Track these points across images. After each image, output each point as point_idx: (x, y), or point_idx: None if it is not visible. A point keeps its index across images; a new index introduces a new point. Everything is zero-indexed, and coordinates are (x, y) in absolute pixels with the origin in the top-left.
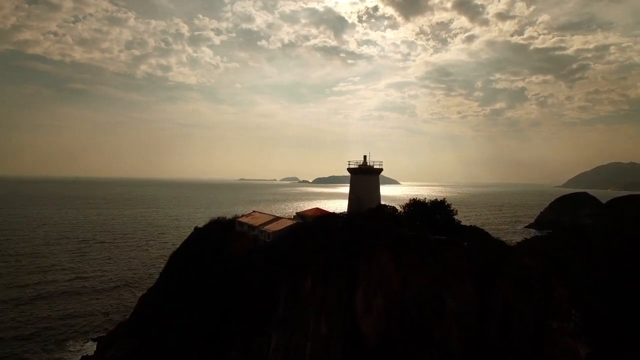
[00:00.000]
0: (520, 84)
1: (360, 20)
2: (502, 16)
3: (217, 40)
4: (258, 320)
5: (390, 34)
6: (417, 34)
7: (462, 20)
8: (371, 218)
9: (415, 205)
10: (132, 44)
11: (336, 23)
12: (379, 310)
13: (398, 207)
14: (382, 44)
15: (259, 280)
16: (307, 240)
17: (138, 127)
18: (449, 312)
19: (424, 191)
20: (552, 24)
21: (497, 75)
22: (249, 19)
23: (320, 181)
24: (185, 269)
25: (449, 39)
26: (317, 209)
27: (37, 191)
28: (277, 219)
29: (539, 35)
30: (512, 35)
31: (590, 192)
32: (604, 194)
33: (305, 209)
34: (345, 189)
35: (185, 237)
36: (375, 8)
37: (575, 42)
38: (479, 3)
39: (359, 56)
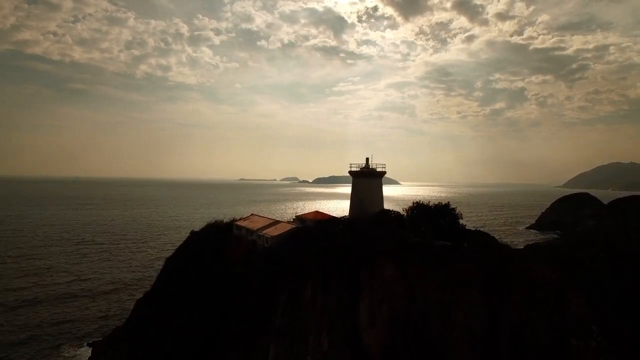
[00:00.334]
0: (520, 84)
1: (359, 20)
2: (502, 16)
3: (216, 40)
4: (256, 330)
5: (389, 34)
6: (416, 34)
7: (462, 21)
8: (374, 223)
9: (418, 208)
10: (131, 44)
11: (336, 23)
12: (383, 322)
13: (401, 211)
14: (382, 44)
15: (256, 287)
16: (307, 246)
17: (138, 127)
18: (457, 324)
19: (424, 191)
20: (551, 24)
21: (497, 75)
22: (249, 19)
23: (320, 181)
24: (180, 275)
25: (448, 39)
26: (317, 212)
27: (37, 191)
28: (276, 222)
29: (539, 35)
30: (511, 36)
31: (591, 192)
32: (604, 194)
33: (304, 212)
34: (345, 189)
35: (184, 239)
36: (375, 8)
37: (575, 42)
38: (478, 3)
39: (359, 56)
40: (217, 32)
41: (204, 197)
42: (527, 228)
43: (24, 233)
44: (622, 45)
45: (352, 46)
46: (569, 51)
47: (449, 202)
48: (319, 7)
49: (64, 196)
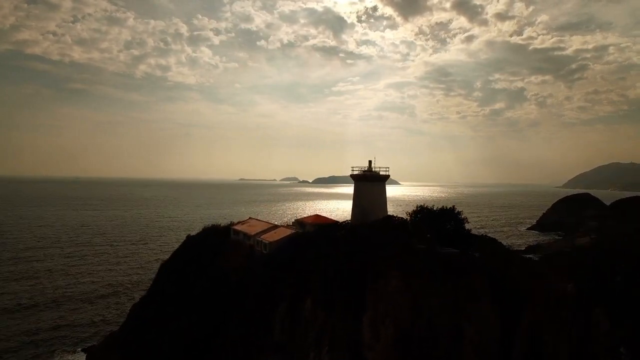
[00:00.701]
0: (520, 84)
1: (359, 20)
2: (501, 16)
3: (216, 40)
4: (253, 343)
5: (389, 34)
6: (416, 34)
7: (461, 21)
8: (378, 230)
9: (422, 212)
10: (131, 44)
11: (335, 23)
12: (387, 338)
13: (405, 215)
14: (381, 44)
15: (254, 297)
16: (307, 254)
17: (138, 127)
18: (467, 340)
19: (424, 191)
20: (551, 24)
21: (497, 76)
22: (248, 19)
23: (320, 181)
24: (176, 280)
25: (448, 39)
26: (317, 215)
27: (37, 191)
28: (274, 227)
29: (538, 35)
30: (511, 36)
31: (591, 192)
32: (605, 194)
33: (304, 216)
34: (345, 189)
35: (182, 240)
36: (375, 8)
37: (574, 43)
38: (478, 3)
39: (358, 56)
40: (217, 32)
41: (203, 197)
42: (528, 229)
43: (23, 234)
44: (622, 45)
45: (351, 46)
46: (569, 51)
47: (454, 206)
48: (319, 7)
49: (63, 196)
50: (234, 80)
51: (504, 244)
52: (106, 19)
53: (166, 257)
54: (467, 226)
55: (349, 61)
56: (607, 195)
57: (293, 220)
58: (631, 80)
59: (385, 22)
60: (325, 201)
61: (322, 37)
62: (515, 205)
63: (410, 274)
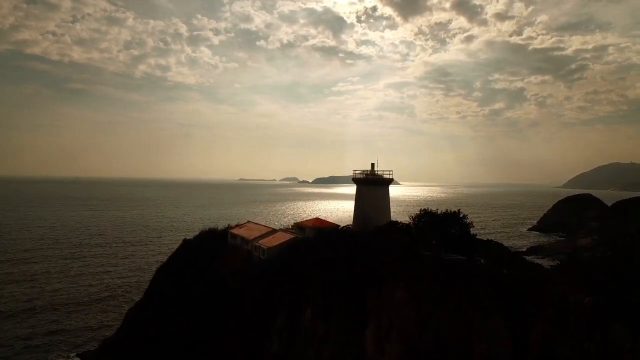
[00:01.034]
0: (519, 84)
1: (358, 20)
2: (501, 16)
3: (215, 40)
4: (251, 352)
5: (389, 34)
6: (415, 34)
7: (461, 21)
8: (381, 236)
9: (426, 216)
10: (130, 44)
11: (335, 23)
12: (392, 352)
13: (408, 218)
14: (381, 44)
15: (250, 304)
16: (306, 260)
17: (138, 127)
18: (477, 355)
19: (424, 192)
20: (550, 25)
21: (496, 76)
22: (248, 19)
23: (320, 181)
24: (170, 288)
25: (447, 39)
26: (317, 219)
27: (37, 191)
28: (273, 231)
29: (538, 35)
30: (510, 36)
31: (591, 192)
32: (605, 195)
33: (304, 220)
34: (345, 189)
35: (181, 241)
36: (374, 8)
37: (574, 43)
38: (477, 3)
39: (358, 56)
40: (216, 32)
41: (203, 197)
42: (529, 230)
43: (22, 235)
44: (621, 45)
45: (351, 46)
46: (568, 51)
47: (459, 210)
48: (318, 7)
49: (63, 197)
50: (233, 80)
51: (506, 245)
52: (106, 19)
53: (164, 258)
54: (471, 230)
55: (348, 61)
56: (607, 195)
57: (292, 223)
58: (631, 81)
59: (384, 22)
60: (325, 201)
61: (322, 37)
62: (516, 206)
63: (415, 283)
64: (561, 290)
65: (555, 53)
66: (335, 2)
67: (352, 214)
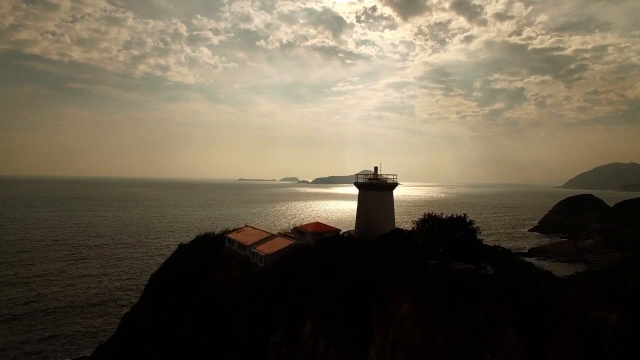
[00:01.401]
0: (519, 84)
1: (358, 20)
2: (500, 16)
3: (215, 40)
4: None
5: (388, 34)
6: (415, 34)
7: (461, 21)
8: (385, 245)
9: (430, 221)
10: (130, 43)
11: (334, 23)
12: None
13: (412, 224)
14: (381, 44)
15: (246, 320)
16: (307, 269)
17: (138, 126)
18: None
19: (424, 192)
20: (550, 25)
21: (496, 76)
22: (247, 19)
23: (319, 181)
24: (165, 294)
25: (447, 39)
26: (318, 223)
27: (37, 191)
28: (271, 237)
29: (537, 35)
30: (510, 36)
31: (591, 192)
32: (605, 195)
33: (303, 224)
34: (344, 189)
35: (180, 241)
36: (374, 8)
37: (574, 43)
38: (477, 3)
39: (358, 56)
40: (216, 32)
41: (203, 197)
42: (530, 230)
43: (21, 235)
44: (621, 45)
45: (350, 46)
46: (568, 51)
47: (465, 214)
48: (318, 7)
49: (63, 197)
50: (233, 80)
51: (508, 247)
52: (105, 19)
53: (161, 261)
54: (477, 236)
55: (348, 61)
56: (608, 195)
57: (292, 227)
58: (630, 81)
59: (384, 22)
60: (325, 201)
61: (322, 37)
62: (516, 206)
63: (422, 296)
64: (581, 304)
65: (555, 53)
66: (335, 2)
67: (352, 215)
